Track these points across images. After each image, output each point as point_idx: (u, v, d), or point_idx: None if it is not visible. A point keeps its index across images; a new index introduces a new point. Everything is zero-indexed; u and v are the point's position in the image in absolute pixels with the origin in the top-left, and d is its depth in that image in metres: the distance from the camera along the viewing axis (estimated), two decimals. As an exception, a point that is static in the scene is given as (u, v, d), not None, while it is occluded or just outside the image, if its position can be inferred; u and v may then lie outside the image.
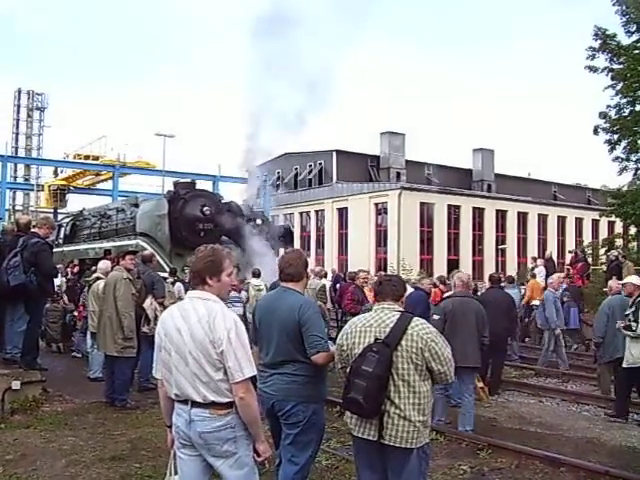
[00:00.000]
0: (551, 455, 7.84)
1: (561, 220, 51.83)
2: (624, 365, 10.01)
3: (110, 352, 10.08)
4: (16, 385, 9.15)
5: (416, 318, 4.71)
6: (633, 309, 9.88)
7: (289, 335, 5.10)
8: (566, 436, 9.24)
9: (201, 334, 3.99)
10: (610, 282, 12.56)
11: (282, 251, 21.16)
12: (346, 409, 4.72)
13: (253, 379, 4.11)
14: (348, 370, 4.65)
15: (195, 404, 4.01)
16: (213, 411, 3.98)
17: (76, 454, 7.52)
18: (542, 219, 50.75)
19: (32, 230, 9.98)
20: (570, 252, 27.82)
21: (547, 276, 21.79)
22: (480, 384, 11.58)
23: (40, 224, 10.16)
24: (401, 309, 4.84)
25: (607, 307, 11.04)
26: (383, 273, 20.87)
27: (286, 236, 21.84)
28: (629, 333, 9.80)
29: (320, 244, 48.44)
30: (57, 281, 17.94)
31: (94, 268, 15.84)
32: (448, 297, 9.94)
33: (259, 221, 21.02)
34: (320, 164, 51.04)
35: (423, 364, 4.53)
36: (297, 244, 47.64)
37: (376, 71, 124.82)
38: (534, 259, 26.30)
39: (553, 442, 8.83)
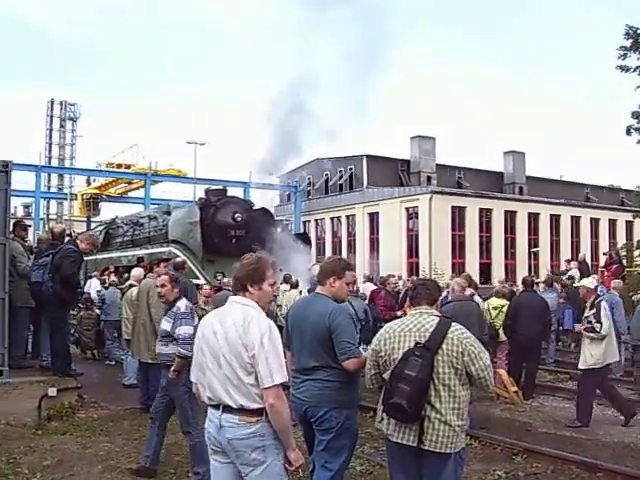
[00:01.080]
0: (588, 460, 7.75)
1: (594, 222, 51.27)
2: (582, 367, 10.01)
3: (144, 359, 10.13)
4: (52, 392, 9.25)
5: (454, 323, 4.67)
6: (594, 311, 9.94)
7: (320, 341, 5.12)
8: (603, 441, 9.13)
9: (235, 337, 4.00)
10: None
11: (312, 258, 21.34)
12: (387, 414, 4.63)
13: (286, 385, 4.12)
14: (389, 375, 4.58)
15: (226, 409, 4.00)
16: (243, 418, 3.97)
17: (112, 460, 7.59)
18: (575, 221, 50.24)
19: (75, 240, 10.17)
20: (604, 254, 27.47)
21: (581, 279, 21.57)
22: (514, 388, 11.51)
23: (83, 238, 10.32)
24: (438, 313, 4.81)
25: None
26: (415, 277, 20.79)
27: (304, 242, 21.96)
28: (592, 335, 9.81)
29: (351, 249, 48.33)
30: (97, 287, 18.17)
31: (126, 275, 16.03)
32: (448, 302, 10.11)
33: (279, 229, 21.15)
34: (351, 169, 51.03)
35: (463, 368, 4.49)
36: (328, 249, 47.81)
37: (404, 74, 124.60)
38: (568, 262, 26.02)
39: (589, 447, 8.73)
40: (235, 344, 3.99)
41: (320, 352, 5.13)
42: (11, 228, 10.77)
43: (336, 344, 5.04)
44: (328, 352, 5.09)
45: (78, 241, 10.11)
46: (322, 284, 5.37)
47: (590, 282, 11.18)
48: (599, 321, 9.78)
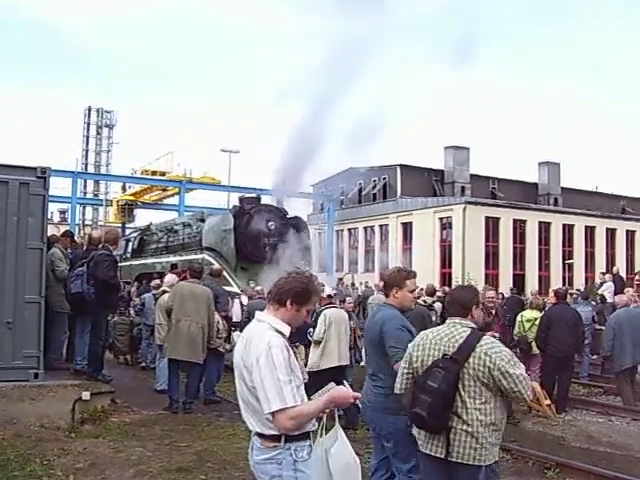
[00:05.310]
0: (621, 476, 7.63)
1: (630, 234, 50.67)
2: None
3: (198, 359, 10.60)
4: (86, 396, 9.33)
5: (486, 337, 4.58)
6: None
7: (375, 348, 5.50)
8: (637, 457, 8.98)
9: (239, 358, 3.78)
10: (616, 297, 12.59)
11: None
12: (412, 423, 4.66)
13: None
14: (414, 384, 4.61)
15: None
16: (263, 441, 3.71)
17: (143, 464, 7.62)
18: (610, 233, 49.68)
19: (106, 244, 10.31)
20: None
21: (616, 292, 21.31)
22: (547, 401, 11.39)
23: (106, 239, 10.45)
24: (473, 325, 4.69)
25: (613, 321, 11.85)
26: (460, 286, 20.42)
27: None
28: (310, 338, 10.24)
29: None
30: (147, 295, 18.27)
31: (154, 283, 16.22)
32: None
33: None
34: (384, 179, 51.01)
35: (492, 382, 4.39)
36: (361, 259, 47.74)
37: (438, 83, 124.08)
38: (602, 274, 25.79)
39: (623, 463, 8.60)
40: (239, 365, 3.76)
41: (377, 359, 5.49)
42: (59, 234, 11.08)
43: (387, 350, 5.30)
44: (383, 359, 5.36)
45: (106, 244, 10.29)
46: (387, 296, 5.71)
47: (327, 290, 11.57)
48: (314, 326, 10.21)
